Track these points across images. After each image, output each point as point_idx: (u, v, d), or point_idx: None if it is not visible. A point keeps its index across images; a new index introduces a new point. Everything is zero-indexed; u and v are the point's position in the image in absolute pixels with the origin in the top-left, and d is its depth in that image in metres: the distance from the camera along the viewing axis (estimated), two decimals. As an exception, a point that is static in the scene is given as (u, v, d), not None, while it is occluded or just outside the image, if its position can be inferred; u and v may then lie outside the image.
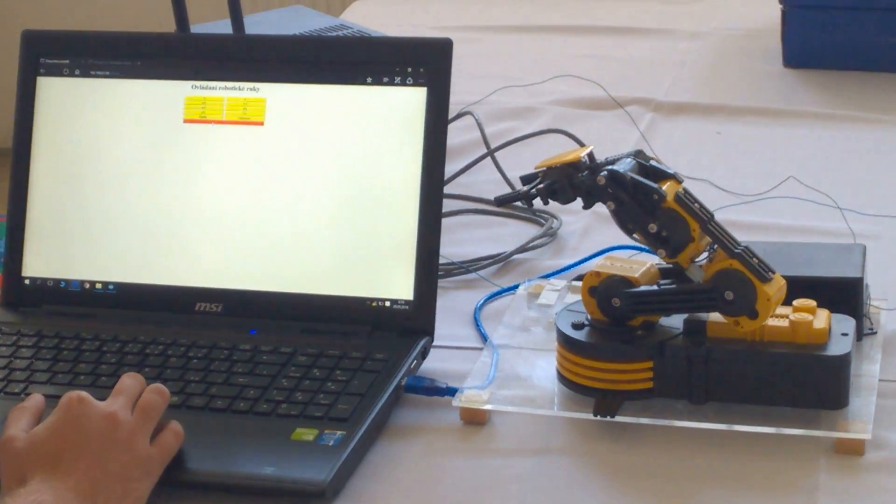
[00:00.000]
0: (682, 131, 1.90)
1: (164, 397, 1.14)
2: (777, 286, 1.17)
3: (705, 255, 1.20)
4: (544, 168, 1.22)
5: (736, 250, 1.17)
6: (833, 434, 1.15)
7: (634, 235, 1.20)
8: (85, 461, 1.07)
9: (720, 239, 1.18)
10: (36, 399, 1.15)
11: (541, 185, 1.22)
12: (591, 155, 1.21)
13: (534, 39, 2.34)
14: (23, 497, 1.04)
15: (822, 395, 1.16)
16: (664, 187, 1.18)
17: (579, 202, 1.22)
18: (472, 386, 1.24)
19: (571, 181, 1.20)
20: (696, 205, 1.18)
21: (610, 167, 1.18)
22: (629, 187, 1.18)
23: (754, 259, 1.17)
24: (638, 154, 1.22)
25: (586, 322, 1.22)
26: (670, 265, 1.21)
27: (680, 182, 1.21)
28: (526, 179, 1.24)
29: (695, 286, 1.19)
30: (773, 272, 1.18)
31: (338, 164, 1.34)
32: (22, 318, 1.37)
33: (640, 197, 1.18)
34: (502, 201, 1.26)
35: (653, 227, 1.18)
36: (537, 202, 1.23)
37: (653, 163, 1.22)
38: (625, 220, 1.19)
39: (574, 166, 1.20)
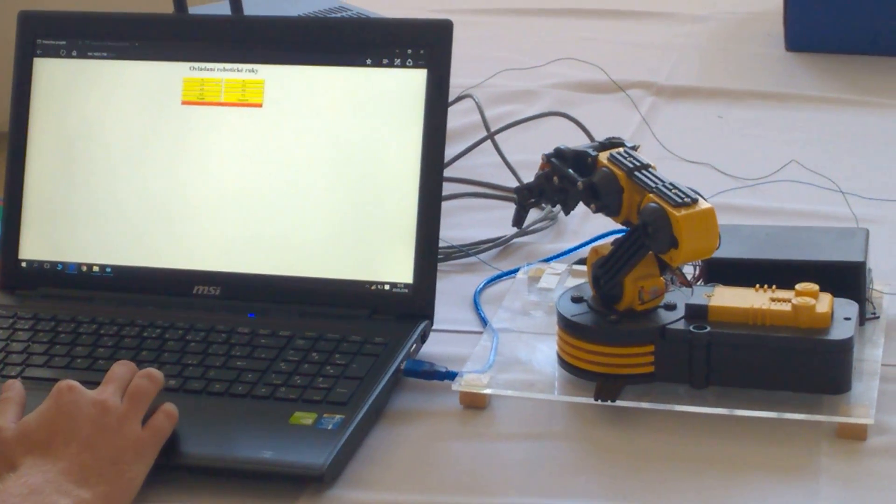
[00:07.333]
0: (683, 115, 1.89)
1: (155, 382, 1.13)
2: (698, 210, 1.15)
3: None
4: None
5: (654, 185, 1.17)
6: (835, 419, 1.15)
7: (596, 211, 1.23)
8: (75, 447, 1.07)
9: (641, 180, 1.18)
10: (15, 388, 1.14)
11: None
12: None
13: (535, 22, 2.33)
14: (12, 481, 1.04)
15: (824, 380, 1.16)
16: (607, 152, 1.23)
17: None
18: (471, 370, 1.23)
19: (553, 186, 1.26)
20: (626, 159, 1.20)
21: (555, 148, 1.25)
22: (570, 156, 1.23)
23: (673, 190, 1.17)
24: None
25: (585, 298, 1.21)
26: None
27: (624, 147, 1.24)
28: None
29: (632, 228, 1.19)
30: (696, 198, 1.16)
31: (337, 147, 1.33)
32: (18, 301, 1.37)
33: (579, 164, 1.23)
34: (517, 222, 1.32)
35: (580, 185, 1.21)
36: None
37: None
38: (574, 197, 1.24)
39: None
